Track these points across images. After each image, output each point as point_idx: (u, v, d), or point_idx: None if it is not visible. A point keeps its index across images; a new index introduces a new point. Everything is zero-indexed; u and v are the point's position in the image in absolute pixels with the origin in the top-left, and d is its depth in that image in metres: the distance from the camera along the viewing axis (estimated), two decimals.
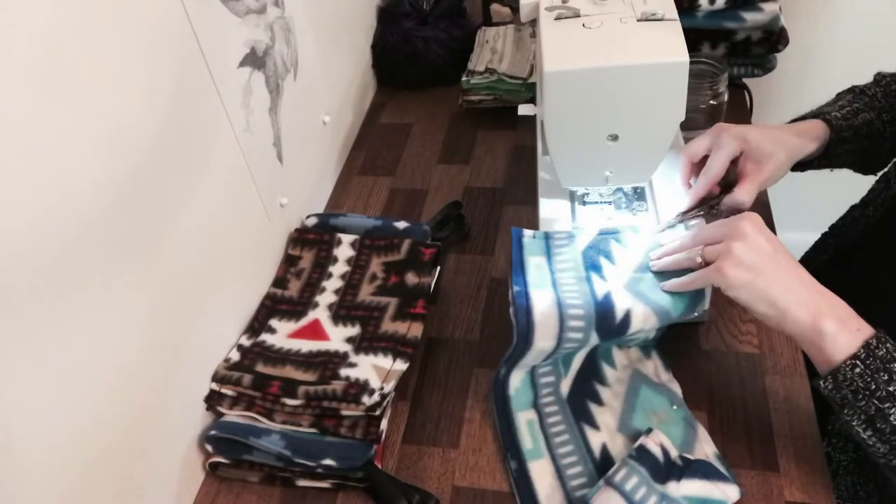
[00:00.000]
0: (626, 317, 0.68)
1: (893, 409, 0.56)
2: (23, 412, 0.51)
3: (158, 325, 0.66)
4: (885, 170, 0.86)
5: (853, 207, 0.89)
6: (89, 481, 0.58)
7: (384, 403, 0.72)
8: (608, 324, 0.68)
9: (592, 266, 0.73)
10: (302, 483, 0.72)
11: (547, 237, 0.77)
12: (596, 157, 0.75)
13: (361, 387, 0.72)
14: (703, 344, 0.79)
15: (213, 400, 0.74)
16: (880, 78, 0.85)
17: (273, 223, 0.87)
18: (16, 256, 0.49)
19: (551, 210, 0.83)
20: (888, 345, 0.58)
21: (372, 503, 0.71)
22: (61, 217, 0.53)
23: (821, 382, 0.60)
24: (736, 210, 0.74)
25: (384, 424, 0.73)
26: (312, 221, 0.93)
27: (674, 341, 0.78)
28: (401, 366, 0.76)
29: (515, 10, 1.00)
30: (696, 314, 0.70)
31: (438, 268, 0.87)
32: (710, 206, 0.76)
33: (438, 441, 0.75)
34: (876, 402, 0.57)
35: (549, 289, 0.71)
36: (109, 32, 0.57)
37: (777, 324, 0.62)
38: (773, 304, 0.61)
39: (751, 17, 1.03)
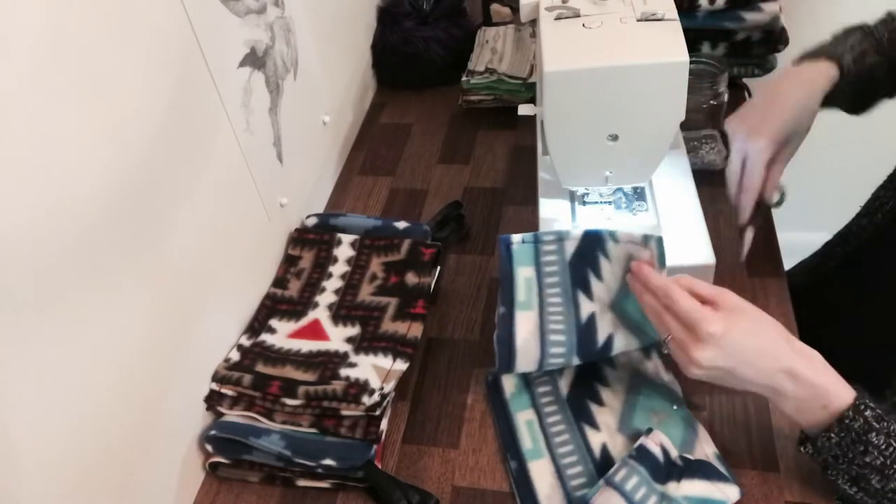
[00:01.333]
0: (608, 342, 0.70)
1: (873, 477, 0.57)
2: (23, 412, 0.51)
3: (158, 325, 0.66)
4: (892, 172, 0.85)
5: (860, 216, 0.89)
6: (89, 481, 0.58)
7: (384, 403, 0.72)
8: (589, 349, 0.71)
9: (580, 282, 0.71)
10: (302, 483, 0.72)
11: (536, 240, 0.73)
12: (596, 157, 0.75)
13: (361, 387, 0.72)
14: None
15: (213, 400, 0.74)
16: (889, 20, 0.82)
17: (273, 223, 0.87)
18: (16, 257, 0.49)
19: (551, 210, 0.83)
20: (866, 412, 0.57)
21: (372, 503, 0.71)
22: (61, 217, 0.53)
23: (800, 448, 0.61)
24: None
25: (384, 424, 0.73)
26: (312, 221, 0.93)
27: None
28: (401, 366, 0.76)
29: (515, 10, 1.00)
30: None
31: (438, 268, 0.87)
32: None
33: (438, 441, 0.75)
34: (856, 468, 0.58)
35: (535, 311, 0.71)
36: (109, 33, 0.57)
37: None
38: (742, 389, 0.62)
39: (751, 17, 1.03)
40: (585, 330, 0.71)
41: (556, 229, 0.74)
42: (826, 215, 0.97)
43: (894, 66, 0.80)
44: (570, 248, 0.71)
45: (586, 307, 0.71)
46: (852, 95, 0.81)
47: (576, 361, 0.72)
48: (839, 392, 0.59)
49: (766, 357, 0.60)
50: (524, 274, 0.72)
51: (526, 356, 0.71)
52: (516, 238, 0.73)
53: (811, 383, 0.59)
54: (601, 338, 0.70)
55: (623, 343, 0.71)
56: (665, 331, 0.63)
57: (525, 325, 0.71)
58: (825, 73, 0.78)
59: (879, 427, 0.57)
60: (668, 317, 0.62)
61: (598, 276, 0.70)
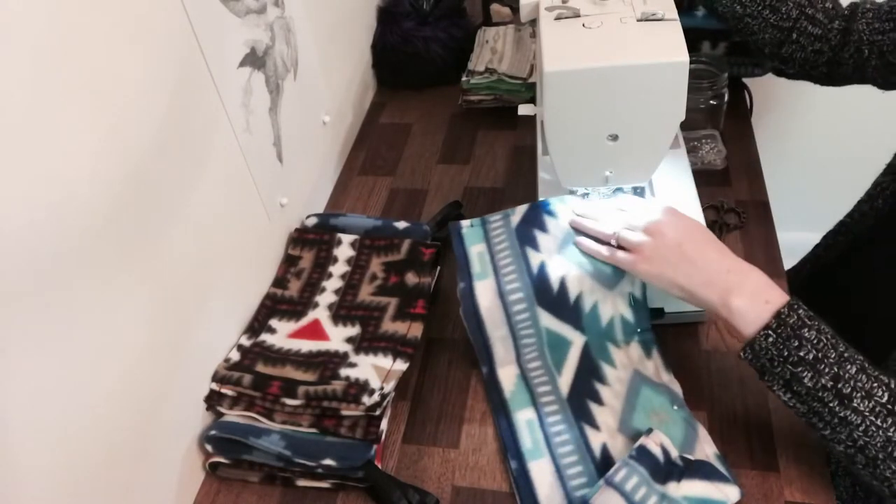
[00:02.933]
0: (562, 285, 0.74)
1: (805, 373, 0.59)
2: (23, 412, 0.51)
3: (158, 324, 0.66)
4: (892, 159, 0.86)
5: (861, 202, 0.89)
6: (89, 481, 0.58)
7: (384, 403, 0.72)
8: (548, 297, 0.74)
9: (527, 240, 0.77)
10: (302, 483, 0.72)
11: (483, 223, 0.81)
12: (596, 157, 0.75)
13: (361, 387, 0.72)
14: (703, 344, 0.79)
15: (213, 400, 0.74)
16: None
17: (273, 223, 0.87)
18: (16, 257, 0.49)
19: None
20: (799, 311, 0.61)
21: (372, 503, 0.71)
22: (61, 218, 0.53)
23: (740, 354, 0.63)
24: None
25: (384, 424, 0.73)
26: (312, 221, 0.93)
27: (674, 341, 0.78)
28: (401, 366, 0.76)
29: (515, 10, 1.00)
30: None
31: (438, 268, 0.87)
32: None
33: (438, 441, 0.75)
34: (790, 367, 0.60)
35: (491, 277, 0.76)
36: (109, 33, 0.57)
37: (694, 304, 0.67)
38: (682, 288, 0.66)
39: None
40: (539, 279, 0.75)
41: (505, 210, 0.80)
42: (826, 215, 0.97)
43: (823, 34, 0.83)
44: (516, 220, 0.79)
45: (535, 258, 0.76)
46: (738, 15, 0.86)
47: (546, 317, 0.75)
48: (777, 292, 0.63)
49: (704, 250, 0.66)
50: (476, 250, 0.79)
51: (493, 320, 0.76)
52: (465, 223, 0.82)
53: (756, 280, 0.63)
54: (555, 283, 0.74)
55: (577, 284, 0.74)
56: (609, 243, 0.72)
57: (485, 293, 0.76)
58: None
59: (811, 323, 0.60)
60: (619, 219, 0.73)
61: (544, 230, 0.77)
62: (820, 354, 0.59)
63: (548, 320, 0.75)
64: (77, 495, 0.57)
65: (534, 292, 0.74)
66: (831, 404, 0.58)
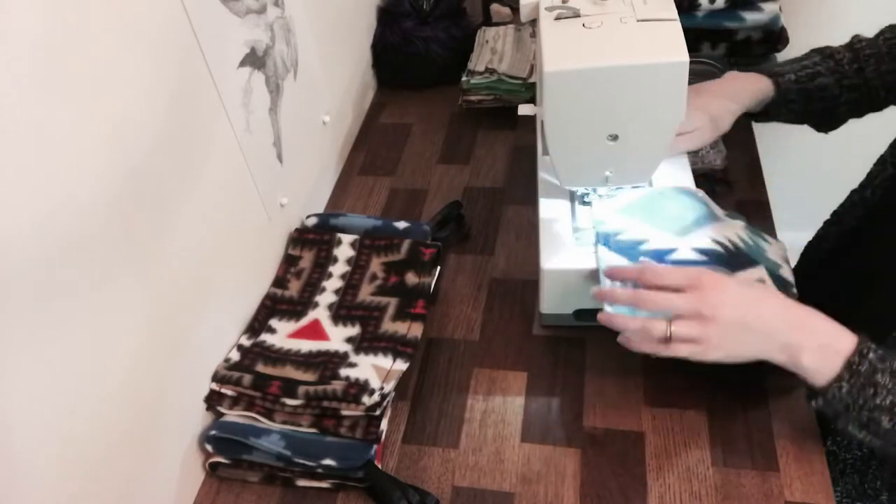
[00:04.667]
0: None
1: (883, 417, 0.59)
2: (24, 412, 0.51)
3: (158, 325, 0.66)
4: (885, 152, 0.86)
5: (853, 192, 0.90)
6: (89, 481, 0.58)
7: (384, 403, 0.72)
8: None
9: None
10: (302, 483, 0.72)
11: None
12: (596, 157, 0.75)
13: (361, 387, 0.72)
14: None
15: (213, 400, 0.74)
16: (855, 42, 0.87)
17: (273, 223, 0.87)
18: (17, 257, 0.49)
19: (551, 210, 0.83)
20: (870, 356, 0.59)
21: (372, 503, 0.71)
22: (62, 218, 0.53)
23: (811, 403, 0.63)
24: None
25: (384, 424, 0.73)
26: (312, 221, 0.93)
27: None
28: (401, 366, 0.76)
29: (515, 10, 1.00)
30: None
31: (438, 268, 0.87)
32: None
33: (438, 441, 0.75)
34: (866, 412, 0.59)
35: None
36: (109, 33, 0.57)
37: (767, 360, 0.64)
38: (755, 357, 0.63)
39: (751, 17, 1.03)
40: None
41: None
42: (826, 215, 0.97)
43: (852, 86, 0.85)
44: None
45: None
46: (811, 114, 0.87)
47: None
48: (844, 337, 0.61)
49: (758, 312, 0.63)
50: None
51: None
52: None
53: (821, 330, 0.62)
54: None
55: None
56: (666, 310, 0.64)
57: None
58: (756, 86, 0.85)
59: (884, 367, 0.59)
60: (662, 296, 0.65)
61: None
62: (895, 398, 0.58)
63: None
64: (77, 495, 0.57)
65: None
66: None
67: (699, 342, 0.63)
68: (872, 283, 0.80)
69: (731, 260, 0.74)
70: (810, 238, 1.01)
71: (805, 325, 0.62)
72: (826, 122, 0.89)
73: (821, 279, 0.88)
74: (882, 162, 0.85)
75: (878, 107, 0.88)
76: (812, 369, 0.61)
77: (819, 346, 0.61)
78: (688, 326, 0.63)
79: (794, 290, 0.77)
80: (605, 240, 0.77)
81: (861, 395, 0.59)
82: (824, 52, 0.88)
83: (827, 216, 0.97)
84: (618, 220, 0.79)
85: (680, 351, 0.64)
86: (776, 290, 0.67)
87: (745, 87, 0.86)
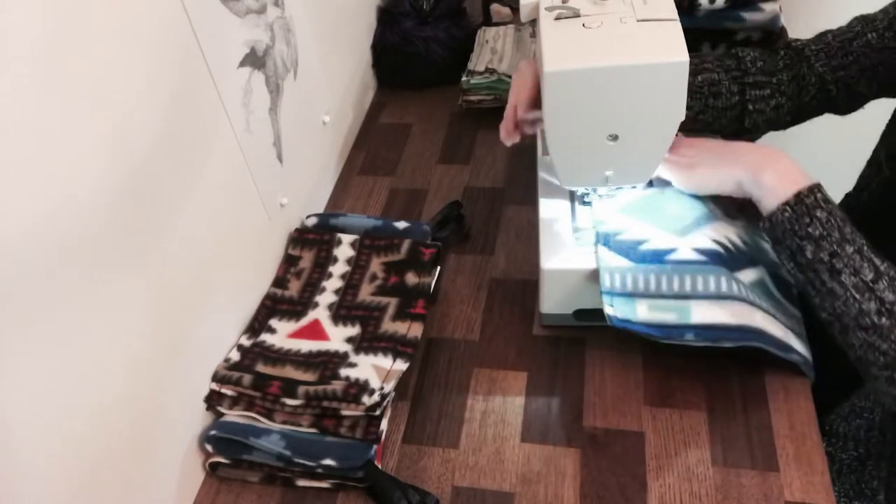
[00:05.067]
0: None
1: (808, 247, 0.67)
2: (23, 412, 0.51)
3: (158, 325, 0.66)
4: (872, 155, 0.86)
5: (848, 196, 0.90)
6: (89, 481, 0.58)
7: (384, 403, 0.72)
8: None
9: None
10: (302, 483, 0.72)
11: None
12: (596, 157, 0.75)
13: (361, 387, 0.72)
14: None
15: (213, 400, 0.74)
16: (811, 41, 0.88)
17: (273, 223, 0.87)
18: (17, 258, 0.49)
19: (551, 210, 0.83)
20: (818, 194, 0.68)
21: (372, 503, 0.71)
22: (62, 218, 0.53)
23: (760, 223, 0.71)
24: None
25: (384, 424, 0.73)
26: (312, 221, 0.93)
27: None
28: (401, 366, 0.76)
29: (515, 10, 1.00)
30: None
31: (438, 268, 0.87)
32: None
33: (438, 441, 0.75)
34: (797, 240, 0.68)
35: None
36: (109, 33, 0.57)
37: (736, 190, 0.73)
38: (718, 171, 0.74)
39: (751, 17, 1.03)
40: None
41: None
42: None
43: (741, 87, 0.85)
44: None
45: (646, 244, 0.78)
46: (708, 110, 0.85)
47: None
48: (805, 177, 0.70)
49: (734, 144, 0.75)
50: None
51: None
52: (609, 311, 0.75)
53: (788, 162, 0.71)
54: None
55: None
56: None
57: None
58: None
59: (825, 206, 0.67)
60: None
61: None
62: (825, 233, 0.66)
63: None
64: (77, 495, 0.57)
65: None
66: (823, 276, 0.66)
67: (683, 164, 0.76)
68: None
69: (731, 260, 0.74)
70: None
71: (774, 154, 0.72)
72: (719, 121, 0.87)
73: None
74: (876, 164, 0.85)
75: (832, 104, 0.86)
76: (769, 187, 0.69)
77: (782, 170, 0.70)
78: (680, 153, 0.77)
79: (794, 290, 0.77)
80: (605, 240, 0.77)
81: (798, 223, 0.67)
82: (772, 50, 0.88)
83: None
84: (618, 220, 0.79)
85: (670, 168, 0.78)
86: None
87: None
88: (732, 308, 0.70)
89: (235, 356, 0.78)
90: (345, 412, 0.71)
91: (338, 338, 0.80)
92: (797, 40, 0.87)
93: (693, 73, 0.84)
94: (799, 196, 0.68)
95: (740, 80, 0.84)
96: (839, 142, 0.98)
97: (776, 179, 0.70)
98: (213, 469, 0.74)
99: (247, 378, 0.74)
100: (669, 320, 0.71)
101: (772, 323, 0.71)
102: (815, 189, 0.68)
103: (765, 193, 0.70)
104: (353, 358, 0.77)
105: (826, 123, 0.91)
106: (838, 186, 0.90)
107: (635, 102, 0.69)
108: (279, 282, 0.87)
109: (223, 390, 0.75)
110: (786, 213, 0.68)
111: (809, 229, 0.67)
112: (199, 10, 0.68)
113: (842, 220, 0.67)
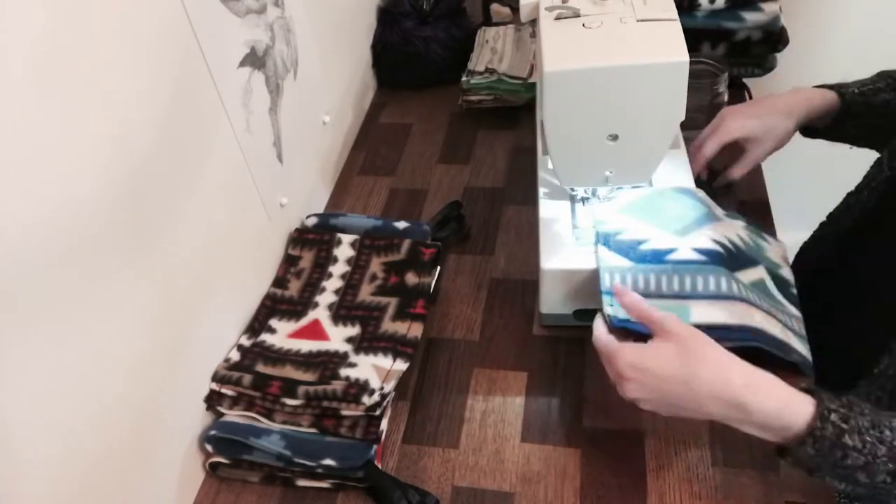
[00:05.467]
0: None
1: (860, 475, 0.56)
2: (24, 412, 0.51)
3: (158, 325, 0.66)
4: (879, 154, 0.86)
5: (849, 194, 0.90)
6: (89, 481, 0.58)
7: (384, 403, 0.72)
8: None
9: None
10: (302, 483, 0.72)
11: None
12: (596, 157, 0.75)
13: (361, 387, 0.72)
14: None
15: (213, 400, 0.74)
16: None
17: (273, 223, 0.87)
18: (18, 257, 0.49)
19: (551, 210, 0.83)
20: (832, 418, 0.56)
21: (372, 503, 0.71)
22: (62, 218, 0.53)
23: (780, 457, 0.60)
24: (728, 185, 0.91)
25: (384, 424, 0.73)
26: (312, 221, 0.93)
27: None
28: (401, 366, 0.76)
29: (515, 10, 1.00)
30: None
31: (438, 268, 0.87)
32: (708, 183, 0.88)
33: (438, 441, 0.75)
34: (840, 470, 0.57)
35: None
36: (109, 33, 0.57)
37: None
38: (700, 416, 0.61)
39: (751, 17, 1.03)
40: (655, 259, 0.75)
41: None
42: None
43: None
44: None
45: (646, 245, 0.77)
46: (868, 129, 0.87)
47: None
48: (797, 409, 0.57)
49: (705, 387, 0.59)
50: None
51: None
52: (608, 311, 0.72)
53: (764, 412, 0.57)
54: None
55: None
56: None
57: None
58: (813, 102, 0.86)
59: (850, 427, 0.55)
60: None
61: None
62: (870, 457, 0.55)
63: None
64: (77, 495, 0.57)
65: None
66: (894, 490, 0.56)
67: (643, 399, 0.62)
68: (867, 284, 0.80)
69: (730, 260, 0.73)
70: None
71: (748, 406, 0.58)
72: (877, 137, 0.88)
73: (818, 286, 0.87)
74: (878, 164, 0.85)
75: None
76: (763, 424, 0.58)
77: (762, 424, 0.58)
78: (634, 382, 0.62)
79: (794, 290, 0.77)
80: (605, 240, 0.77)
81: (830, 457, 0.56)
82: (886, 73, 0.88)
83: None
84: (618, 219, 0.79)
85: (625, 393, 0.63)
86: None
87: (800, 102, 0.86)
88: (732, 308, 0.70)
89: (235, 356, 0.78)
90: (345, 412, 0.71)
91: (338, 338, 0.80)
92: None
93: (874, 93, 0.86)
94: (813, 434, 0.56)
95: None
96: (855, 147, 0.99)
97: (767, 408, 0.57)
98: (213, 469, 0.74)
99: (247, 378, 0.74)
100: None
101: (772, 323, 0.71)
102: (826, 413, 0.56)
103: (765, 432, 0.59)
104: (353, 358, 0.77)
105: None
106: (843, 186, 0.90)
107: (635, 102, 0.69)
108: (279, 282, 0.87)
109: (223, 390, 0.75)
110: (808, 453, 0.56)
111: (848, 461, 0.55)
112: (199, 10, 0.68)
113: (874, 426, 0.55)
